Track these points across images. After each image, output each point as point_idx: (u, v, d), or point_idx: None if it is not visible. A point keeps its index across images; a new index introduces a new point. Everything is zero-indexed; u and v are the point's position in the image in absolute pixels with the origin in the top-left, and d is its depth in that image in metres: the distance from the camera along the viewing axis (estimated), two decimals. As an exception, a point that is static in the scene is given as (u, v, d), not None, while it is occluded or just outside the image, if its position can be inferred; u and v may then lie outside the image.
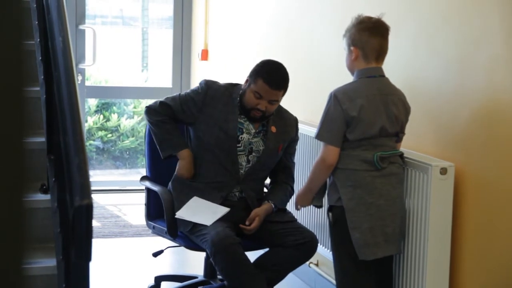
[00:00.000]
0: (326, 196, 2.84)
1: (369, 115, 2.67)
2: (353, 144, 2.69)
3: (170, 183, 3.30)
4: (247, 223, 3.15)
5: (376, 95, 2.70)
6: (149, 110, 3.34)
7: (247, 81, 3.22)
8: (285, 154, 3.32)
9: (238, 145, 3.22)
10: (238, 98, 3.23)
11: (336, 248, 2.79)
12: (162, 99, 3.36)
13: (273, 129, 3.26)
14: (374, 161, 2.67)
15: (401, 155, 2.77)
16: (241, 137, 3.23)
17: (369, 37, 2.72)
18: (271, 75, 3.15)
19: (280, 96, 3.19)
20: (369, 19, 2.77)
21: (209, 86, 3.27)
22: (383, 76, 2.76)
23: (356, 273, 2.73)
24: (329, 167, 2.72)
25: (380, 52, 2.74)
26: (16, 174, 0.78)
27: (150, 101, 6.66)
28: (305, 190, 2.88)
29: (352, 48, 2.74)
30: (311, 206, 3.57)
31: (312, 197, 2.87)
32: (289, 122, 3.33)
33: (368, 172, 2.68)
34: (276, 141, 3.27)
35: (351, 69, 2.81)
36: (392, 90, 2.76)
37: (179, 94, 3.35)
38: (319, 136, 2.75)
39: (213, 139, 3.20)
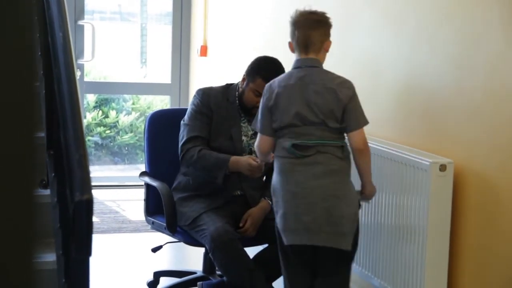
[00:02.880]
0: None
1: (283, 102, 2.75)
2: (280, 133, 2.77)
3: (174, 193, 3.29)
4: (240, 224, 3.15)
5: (295, 84, 2.75)
6: (183, 157, 3.20)
7: (244, 79, 3.22)
8: None
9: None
10: (237, 100, 3.24)
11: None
12: (181, 139, 3.22)
13: None
14: (287, 148, 2.71)
15: (342, 146, 2.72)
16: (242, 139, 3.24)
17: (294, 30, 2.83)
18: (269, 73, 3.16)
19: None
20: (296, 12, 2.87)
21: (207, 94, 3.25)
22: (314, 66, 2.76)
23: (290, 260, 2.77)
24: (263, 154, 2.85)
25: (306, 44, 2.79)
26: (28, 170, 0.78)
27: (148, 98, 6.74)
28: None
29: (289, 41, 2.87)
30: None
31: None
32: None
33: (287, 159, 2.72)
34: None
35: None
36: (317, 80, 2.74)
37: (185, 121, 3.24)
38: (253, 125, 2.92)
39: (219, 144, 3.20)
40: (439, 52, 2.85)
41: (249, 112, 3.22)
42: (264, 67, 3.18)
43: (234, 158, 3.13)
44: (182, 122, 3.28)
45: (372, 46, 3.32)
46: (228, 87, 3.31)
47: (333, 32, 3.69)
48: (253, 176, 3.12)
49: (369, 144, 3.06)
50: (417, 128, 2.98)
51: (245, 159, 3.11)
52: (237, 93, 3.25)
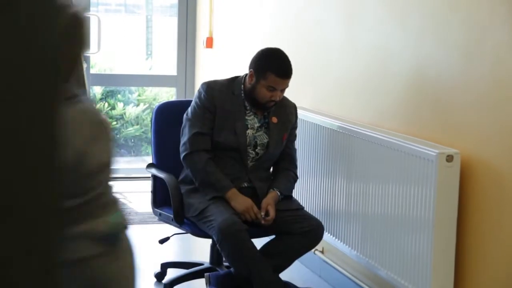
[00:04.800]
0: None
1: None
2: None
3: (181, 185, 3.30)
4: (262, 214, 3.14)
5: None
6: (186, 156, 3.21)
7: (252, 76, 3.19)
8: (286, 142, 3.34)
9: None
10: (243, 94, 3.23)
11: None
12: (184, 136, 3.22)
13: (274, 119, 3.27)
14: None
15: None
16: (247, 133, 3.24)
17: None
18: (280, 66, 3.15)
19: (289, 80, 3.20)
20: None
21: (211, 87, 3.23)
22: None
23: None
24: None
25: None
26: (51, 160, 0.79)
27: (154, 89, 6.74)
28: None
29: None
30: (317, 193, 3.58)
31: None
32: (289, 110, 3.35)
33: None
34: (280, 132, 3.28)
35: None
36: None
37: (189, 116, 3.23)
38: None
39: (223, 139, 3.20)
40: (445, 43, 2.84)
41: (262, 106, 3.22)
42: (274, 62, 3.16)
43: (234, 191, 3.14)
44: (185, 116, 3.27)
45: (379, 38, 3.31)
46: (234, 79, 3.30)
47: (339, 24, 3.69)
48: (243, 215, 3.11)
49: (376, 135, 3.07)
50: (424, 119, 2.97)
51: (250, 201, 3.12)
52: (242, 86, 3.25)
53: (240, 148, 3.21)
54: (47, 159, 0.77)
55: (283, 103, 3.31)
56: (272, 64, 3.15)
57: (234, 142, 3.20)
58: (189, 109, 3.27)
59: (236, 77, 3.31)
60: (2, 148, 0.74)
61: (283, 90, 3.20)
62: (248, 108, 3.26)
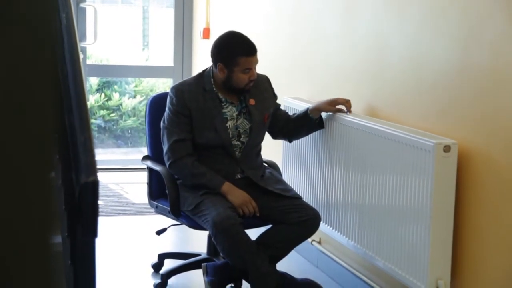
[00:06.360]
0: None
1: None
2: None
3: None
4: (345, 110, 3.25)
5: None
6: (171, 165, 3.20)
7: (221, 69, 3.16)
8: (276, 114, 3.37)
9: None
10: (214, 88, 3.21)
11: None
12: (165, 145, 3.20)
13: (252, 101, 3.27)
14: None
15: None
16: (228, 125, 3.22)
17: None
18: (245, 46, 3.16)
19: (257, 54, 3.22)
20: None
21: (181, 90, 3.21)
22: None
23: None
24: None
25: None
26: (46, 154, 0.78)
27: (151, 80, 6.71)
28: None
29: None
30: (314, 183, 3.57)
31: None
32: (263, 87, 3.34)
33: None
34: (260, 113, 3.28)
35: None
36: None
37: (165, 124, 3.21)
38: None
39: (205, 140, 3.19)
40: (443, 34, 2.84)
41: (242, 91, 3.21)
42: (237, 46, 3.16)
43: (228, 184, 3.13)
44: (162, 123, 3.25)
45: (376, 29, 3.31)
46: (201, 75, 3.27)
47: (337, 15, 3.68)
48: (240, 208, 3.10)
49: (373, 125, 3.07)
50: (421, 109, 2.97)
51: (247, 195, 3.12)
52: (212, 79, 3.23)
53: (225, 144, 3.20)
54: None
55: (256, 81, 3.27)
56: (237, 48, 3.15)
57: (217, 140, 3.19)
58: (165, 116, 3.24)
59: (203, 72, 3.28)
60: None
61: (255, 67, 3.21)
62: (223, 100, 3.24)
